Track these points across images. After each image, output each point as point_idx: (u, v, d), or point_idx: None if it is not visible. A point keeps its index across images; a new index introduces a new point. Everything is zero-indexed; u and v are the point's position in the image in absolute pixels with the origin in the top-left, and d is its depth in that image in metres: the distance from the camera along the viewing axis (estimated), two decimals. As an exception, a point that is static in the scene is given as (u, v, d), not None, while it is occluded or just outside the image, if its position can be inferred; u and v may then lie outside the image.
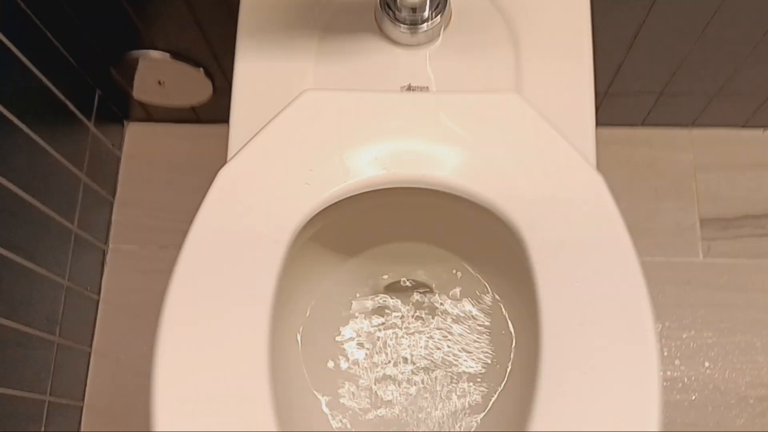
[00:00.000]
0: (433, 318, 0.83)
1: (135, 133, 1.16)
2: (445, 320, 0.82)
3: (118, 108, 1.12)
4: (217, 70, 1.01)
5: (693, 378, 1.02)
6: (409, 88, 0.71)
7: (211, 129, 1.15)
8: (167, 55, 0.97)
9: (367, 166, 0.64)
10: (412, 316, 0.83)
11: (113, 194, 1.12)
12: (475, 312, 0.82)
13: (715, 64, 0.96)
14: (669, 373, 1.02)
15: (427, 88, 0.71)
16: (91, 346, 1.06)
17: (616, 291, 0.60)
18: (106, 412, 1.04)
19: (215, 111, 1.11)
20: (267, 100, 0.70)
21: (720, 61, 0.96)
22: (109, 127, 1.10)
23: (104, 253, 1.09)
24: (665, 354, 1.03)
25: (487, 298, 0.82)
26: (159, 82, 1.03)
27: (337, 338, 0.82)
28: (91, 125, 1.04)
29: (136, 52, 0.97)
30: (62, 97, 0.95)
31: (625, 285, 0.60)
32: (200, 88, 1.04)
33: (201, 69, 1.00)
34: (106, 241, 1.10)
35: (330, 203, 0.64)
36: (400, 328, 0.84)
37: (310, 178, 0.63)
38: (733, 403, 1.01)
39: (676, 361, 1.03)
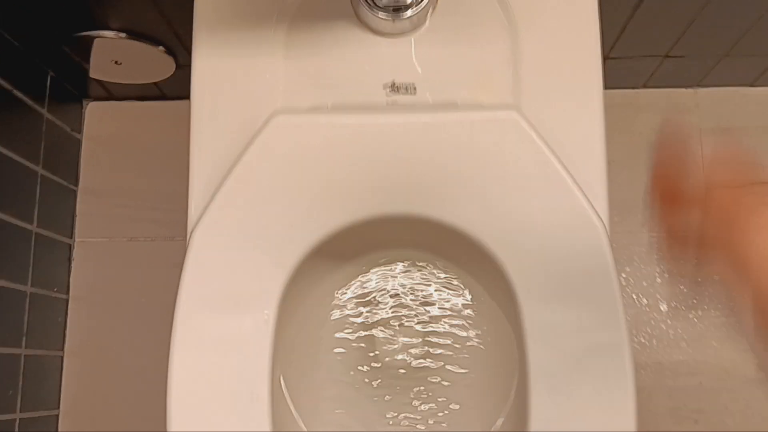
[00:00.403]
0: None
1: (95, 113, 1.06)
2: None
3: (75, 87, 1.02)
4: (179, 46, 0.92)
5: (701, 361, 0.97)
6: (393, 86, 0.62)
7: (177, 105, 1.06)
8: (122, 34, 0.87)
9: (352, 202, 0.57)
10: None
11: (76, 182, 1.03)
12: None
13: (725, 25, 0.88)
14: (676, 357, 0.97)
15: (414, 85, 0.62)
16: (63, 350, 0.99)
17: (599, 349, 0.55)
18: (83, 417, 0.98)
19: (181, 86, 1.00)
20: (231, 105, 0.62)
21: (730, 21, 0.87)
22: (65, 109, 1.01)
23: (70, 248, 1.02)
24: (671, 335, 0.98)
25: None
26: (116, 62, 0.93)
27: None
28: (44, 111, 0.95)
29: (87, 33, 0.87)
30: (6, 85, 0.86)
31: (608, 346, 0.55)
32: (162, 66, 0.95)
33: (160, 47, 0.90)
34: (71, 235, 1.02)
35: (315, 246, 0.57)
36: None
37: (290, 227, 0.56)
38: (743, 387, 0.97)
39: (685, 344, 0.98)
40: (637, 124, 1.03)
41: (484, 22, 0.63)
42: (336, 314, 0.71)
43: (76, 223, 1.02)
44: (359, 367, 0.76)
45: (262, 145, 0.57)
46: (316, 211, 0.58)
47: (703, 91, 1.04)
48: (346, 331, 0.73)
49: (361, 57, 0.63)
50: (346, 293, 0.70)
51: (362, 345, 0.76)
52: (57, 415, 0.98)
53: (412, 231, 0.63)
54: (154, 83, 1.01)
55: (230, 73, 0.62)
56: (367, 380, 0.76)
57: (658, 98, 1.04)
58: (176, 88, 1.02)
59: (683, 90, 1.04)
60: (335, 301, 0.70)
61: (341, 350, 0.73)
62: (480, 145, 0.57)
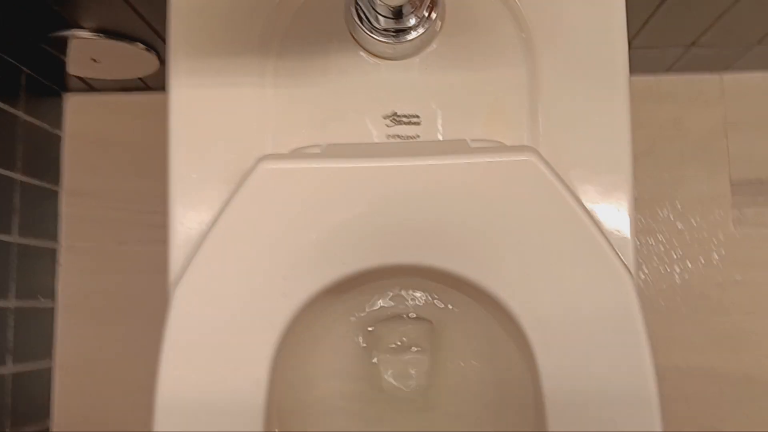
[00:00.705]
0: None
1: (76, 107, 0.99)
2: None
3: (53, 82, 0.95)
4: (159, 41, 0.84)
5: (721, 367, 0.92)
6: (394, 118, 0.56)
7: (163, 97, 0.98)
8: (97, 34, 0.80)
9: (349, 253, 0.51)
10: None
11: (58, 182, 0.97)
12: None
13: (759, 14, 0.80)
14: (695, 363, 0.92)
15: (417, 115, 0.55)
16: (52, 360, 0.95)
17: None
18: (76, 428, 0.95)
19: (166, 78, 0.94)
20: (214, 143, 0.55)
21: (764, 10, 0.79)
22: (43, 105, 0.94)
23: (56, 253, 0.96)
24: (691, 341, 0.93)
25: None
26: (94, 60, 0.86)
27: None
28: (20, 112, 0.88)
29: (61, 34, 0.80)
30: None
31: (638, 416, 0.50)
32: (144, 62, 0.88)
33: (138, 44, 0.83)
34: (56, 239, 0.96)
35: (307, 303, 0.51)
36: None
37: (281, 284, 0.50)
38: (764, 394, 0.92)
39: (703, 351, 0.93)
40: (658, 116, 0.96)
41: (498, 42, 0.56)
42: (336, 361, 0.65)
43: (61, 226, 0.97)
44: (362, 401, 0.71)
45: (248, 195, 0.51)
46: (308, 266, 0.52)
47: (728, 77, 0.96)
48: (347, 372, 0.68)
49: (359, 84, 0.56)
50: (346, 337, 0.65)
51: (364, 380, 0.71)
52: (48, 430, 0.94)
53: (416, 277, 0.58)
54: (138, 78, 0.94)
55: (212, 106, 0.56)
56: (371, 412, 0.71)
57: (681, 85, 0.96)
58: (161, 80, 0.95)
59: (708, 75, 0.96)
60: (333, 348, 0.65)
61: (342, 392, 0.68)
62: (493, 191, 0.51)
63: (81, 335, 0.96)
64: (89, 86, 0.97)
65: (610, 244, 0.52)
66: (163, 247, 0.96)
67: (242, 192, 0.51)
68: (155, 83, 0.96)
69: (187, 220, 0.55)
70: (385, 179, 0.51)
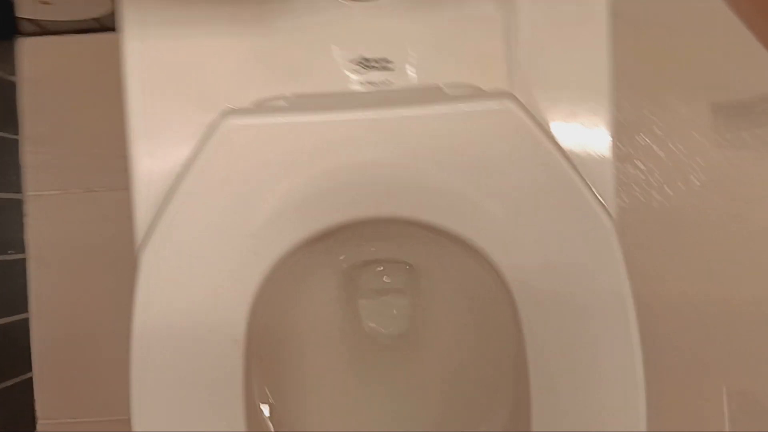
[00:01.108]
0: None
1: (30, 50, 0.94)
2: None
3: (3, 26, 0.90)
4: (114, -22, 0.79)
5: (699, 290, 0.93)
6: (365, 63, 0.53)
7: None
8: (43, -27, 0.75)
9: (319, 209, 0.49)
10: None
11: (17, 131, 0.93)
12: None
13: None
14: (673, 288, 0.93)
15: (388, 60, 0.53)
16: (28, 312, 0.93)
17: (609, 365, 0.49)
18: (57, 379, 0.94)
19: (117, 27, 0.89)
20: (172, 98, 0.52)
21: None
22: (-5, 50, 0.89)
23: (21, 205, 0.93)
24: (670, 266, 0.93)
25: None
26: (44, 2, 0.81)
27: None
28: (-31, 58, 0.83)
29: (2, -26, 0.74)
30: None
31: (619, 358, 0.49)
32: (97, 1, 0.83)
33: (92, -17, 0.78)
34: (20, 190, 0.93)
35: (279, 261, 0.49)
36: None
37: (250, 242, 0.48)
38: (742, 315, 0.93)
39: (681, 276, 0.93)
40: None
41: (469, -22, 0.52)
42: (317, 310, 0.65)
43: (25, 176, 0.93)
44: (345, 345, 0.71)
45: (212, 153, 0.49)
46: (279, 223, 0.50)
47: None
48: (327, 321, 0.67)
49: (326, 28, 0.53)
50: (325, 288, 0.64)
51: (346, 324, 0.71)
52: (30, 379, 0.94)
53: (398, 230, 0.56)
54: (93, 18, 0.89)
55: (168, 56, 0.52)
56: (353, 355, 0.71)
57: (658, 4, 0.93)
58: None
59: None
60: (312, 299, 0.64)
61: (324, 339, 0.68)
62: (471, 140, 0.49)
63: (55, 285, 0.94)
64: (42, 29, 0.92)
65: (591, 190, 0.50)
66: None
67: (206, 150, 0.49)
68: (110, 22, 0.91)
69: (149, 176, 0.53)
70: (356, 132, 0.49)
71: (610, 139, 0.53)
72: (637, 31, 0.92)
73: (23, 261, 0.93)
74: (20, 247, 0.93)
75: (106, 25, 0.92)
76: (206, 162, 0.49)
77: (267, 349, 0.64)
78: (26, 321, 0.93)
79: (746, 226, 0.93)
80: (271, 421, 0.63)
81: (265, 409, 0.62)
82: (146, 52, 0.53)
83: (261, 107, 0.51)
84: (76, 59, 0.94)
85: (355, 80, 0.53)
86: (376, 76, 0.53)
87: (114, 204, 0.94)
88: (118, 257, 0.93)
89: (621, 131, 0.93)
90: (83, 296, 0.94)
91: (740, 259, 0.93)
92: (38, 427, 0.94)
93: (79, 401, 0.94)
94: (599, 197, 0.50)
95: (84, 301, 0.94)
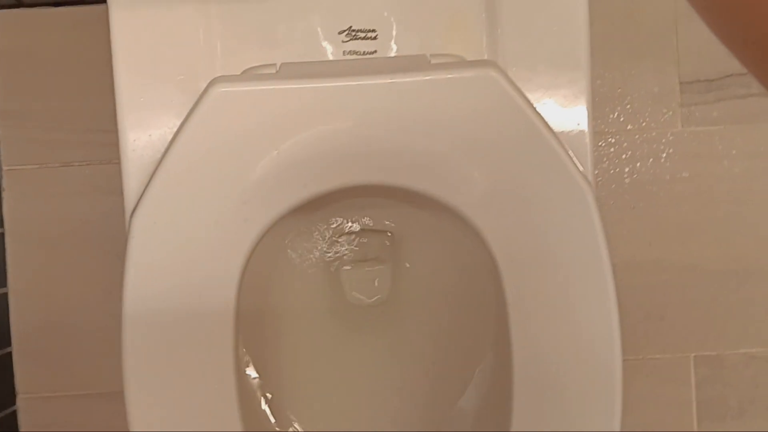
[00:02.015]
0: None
1: (6, 23, 0.93)
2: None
3: (-25, -4, 0.89)
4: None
5: (667, 258, 0.96)
6: (350, 33, 0.54)
7: (100, 10, 0.93)
8: (22, -56, 0.74)
9: (309, 175, 0.50)
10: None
11: (-7, 105, 0.93)
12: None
13: None
14: (643, 256, 0.96)
15: (374, 31, 0.54)
16: (7, 287, 0.93)
17: (588, 323, 0.51)
18: (37, 352, 0.94)
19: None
20: (161, 67, 0.53)
21: None
22: (-32, 22, 0.88)
23: (-1, 179, 0.93)
24: (639, 235, 0.96)
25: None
26: (19, -28, 0.80)
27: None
28: (-57, 30, 0.82)
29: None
30: None
31: (598, 316, 0.51)
32: (76, -27, 0.82)
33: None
34: (-3, 164, 0.93)
35: (270, 226, 0.50)
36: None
37: (241, 209, 0.49)
38: (708, 281, 0.97)
39: (651, 244, 0.96)
40: (611, 8, 0.95)
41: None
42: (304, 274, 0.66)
43: (0, 150, 0.93)
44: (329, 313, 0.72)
45: (201, 119, 0.49)
46: (268, 190, 0.51)
47: (679, -28, 0.96)
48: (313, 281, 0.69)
49: (311, -2, 0.54)
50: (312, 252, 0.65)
51: (329, 292, 0.72)
52: (10, 353, 0.94)
53: (380, 199, 0.58)
54: (69, -11, 0.88)
55: (156, 28, 0.53)
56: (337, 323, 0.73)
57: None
58: (95, -10, 0.90)
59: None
60: (297, 264, 0.65)
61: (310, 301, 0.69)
62: (455, 107, 0.51)
63: (33, 259, 0.94)
64: (18, 1, 0.91)
65: (570, 157, 0.52)
66: (110, 166, 0.94)
67: (195, 116, 0.50)
68: (89, -6, 0.91)
69: (138, 145, 0.53)
70: (344, 98, 0.50)
71: (588, 109, 0.55)
72: (609, 9, 0.95)
73: (2, 236, 0.93)
74: (-3, 221, 0.92)
75: (83, -3, 0.91)
76: (195, 129, 0.50)
77: (253, 317, 0.66)
78: (5, 296, 0.93)
79: (713, 198, 0.96)
80: (259, 390, 0.65)
81: (253, 377, 0.63)
82: (134, 22, 0.53)
83: (249, 75, 0.52)
84: (53, 32, 0.94)
85: (341, 50, 0.54)
86: (361, 45, 0.54)
87: (91, 178, 0.94)
88: (97, 230, 0.93)
89: (594, 107, 0.95)
90: (62, 270, 0.94)
91: (708, 229, 0.96)
92: (18, 401, 0.95)
93: (60, 375, 0.95)
94: (577, 163, 0.52)
95: (63, 275, 0.94)
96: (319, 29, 0.54)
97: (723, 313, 0.97)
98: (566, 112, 0.54)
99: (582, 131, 0.55)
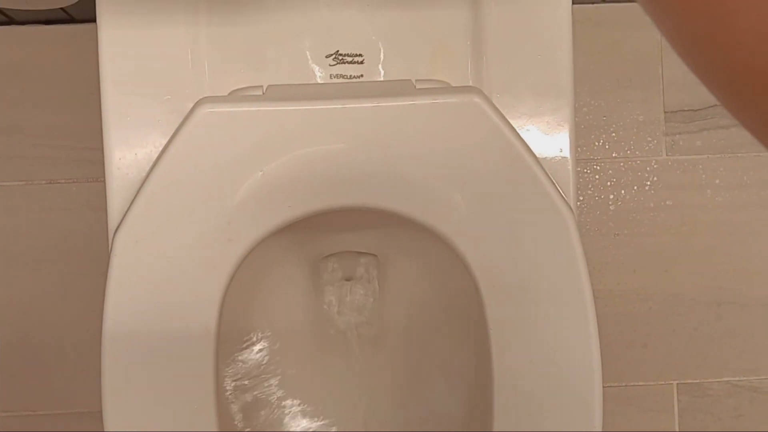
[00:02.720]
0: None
1: (-5, 39, 0.94)
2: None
3: (-33, 13, 0.89)
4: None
5: (650, 287, 0.97)
6: (337, 57, 0.54)
7: (89, 29, 0.94)
8: (12, -38, 0.75)
9: (294, 197, 0.50)
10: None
11: (-20, 121, 0.93)
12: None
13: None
14: (626, 284, 0.96)
15: (361, 56, 0.54)
16: (-13, 304, 0.93)
17: (568, 349, 0.52)
18: (16, 371, 0.94)
19: (91, 8, 0.89)
20: (148, 86, 0.53)
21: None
22: (-41, 38, 0.89)
23: (-17, 194, 0.92)
24: (622, 263, 0.97)
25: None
26: (11, -10, 0.80)
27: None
28: (-67, 46, 0.83)
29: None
30: None
31: (578, 341, 0.52)
32: (66, -9, 0.83)
33: (61, -28, 0.78)
34: (-17, 180, 0.93)
35: (253, 246, 0.51)
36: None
37: (230, 232, 0.49)
38: (691, 310, 0.97)
39: (634, 272, 0.97)
40: (597, 40, 0.96)
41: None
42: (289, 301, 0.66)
43: (-12, 166, 0.93)
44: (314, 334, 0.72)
45: (187, 139, 0.50)
46: (253, 210, 0.51)
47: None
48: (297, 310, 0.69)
49: (299, 22, 0.54)
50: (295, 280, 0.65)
51: (314, 314, 0.72)
52: (-11, 371, 0.93)
53: (364, 221, 0.58)
54: (61, 9, 0.88)
55: (144, 47, 0.53)
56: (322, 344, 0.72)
57: (617, 13, 0.97)
58: (85, 11, 0.90)
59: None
60: (282, 285, 0.65)
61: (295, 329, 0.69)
62: (439, 132, 0.51)
63: (16, 276, 0.94)
64: (9, 18, 0.91)
65: (553, 183, 0.53)
66: (96, 184, 0.94)
67: (181, 136, 0.50)
68: (78, 13, 0.91)
69: (123, 164, 0.53)
70: (330, 121, 0.51)
71: (571, 136, 0.56)
72: (596, 39, 0.96)
73: (-15, 251, 0.92)
74: (-19, 237, 0.92)
75: (74, 16, 0.92)
76: (181, 148, 0.50)
77: (235, 337, 0.66)
78: (-14, 312, 0.92)
79: (697, 227, 0.97)
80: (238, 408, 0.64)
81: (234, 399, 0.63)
82: (122, 41, 0.54)
83: (236, 96, 0.52)
84: (43, 50, 0.94)
85: (328, 74, 0.55)
86: (348, 69, 0.55)
87: (77, 195, 0.94)
88: (82, 248, 0.93)
89: (579, 135, 0.96)
90: (46, 287, 0.94)
91: (691, 258, 0.97)
92: (-3, 420, 0.94)
93: (39, 394, 0.94)
94: (560, 190, 0.53)
95: (46, 292, 0.94)
96: (306, 53, 0.54)
97: (706, 342, 0.97)
98: (549, 139, 0.55)
99: (565, 158, 0.56)
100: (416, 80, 0.53)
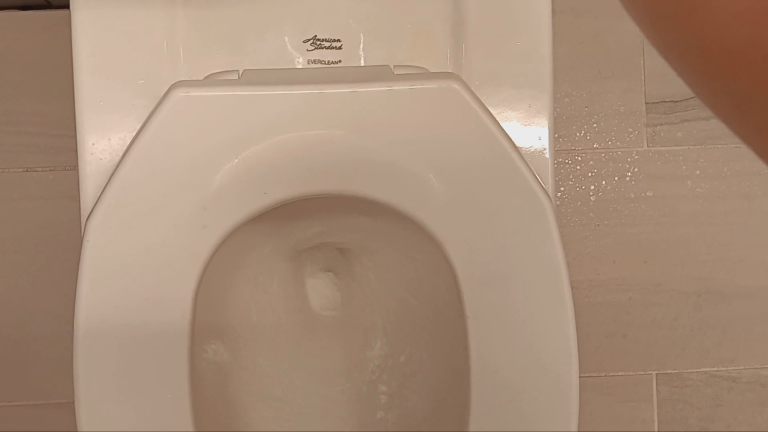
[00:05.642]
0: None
1: (-31, 25, 0.92)
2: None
3: (-59, -3, 0.88)
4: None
5: (630, 277, 0.97)
6: (314, 41, 0.54)
7: (67, 15, 0.92)
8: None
9: (269, 183, 0.49)
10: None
11: (-45, 107, 0.91)
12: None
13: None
14: (606, 274, 0.97)
15: (339, 41, 0.54)
16: (-38, 293, 0.91)
17: (545, 337, 0.52)
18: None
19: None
20: (122, 68, 0.52)
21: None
22: (-67, 23, 0.87)
23: (-41, 183, 0.91)
24: (603, 254, 0.97)
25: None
26: (-15, -26, 0.79)
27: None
28: None
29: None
30: None
31: (555, 330, 0.52)
32: (43, -24, 0.81)
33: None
34: (-42, 168, 0.91)
35: (228, 232, 0.50)
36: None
37: (205, 218, 0.48)
38: (671, 300, 0.97)
39: (614, 262, 0.97)
40: (579, 30, 0.96)
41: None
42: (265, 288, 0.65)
43: (-37, 154, 0.91)
44: (290, 323, 0.72)
45: (162, 123, 0.49)
46: (228, 196, 0.51)
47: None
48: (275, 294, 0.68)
49: (277, 5, 0.54)
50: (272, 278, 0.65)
51: (291, 303, 0.71)
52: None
53: (342, 209, 0.57)
54: (37, -7, 0.87)
55: (118, 28, 0.52)
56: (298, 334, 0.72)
57: (600, 4, 0.97)
58: (64, -4, 0.89)
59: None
60: (258, 274, 0.65)
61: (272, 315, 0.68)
62: (417, 118, 0.51)
63: (-7, 266, 0.92)
64: (-17, 2, 0.90)
65: (531, 170, 0.52)
66: (71, 172, 0.93)
67: (155, 120, 0.49)
68: (59, 0, 0.90)
69: (96, 149, 0.53)
70: (306, 107, 0.50)
71: (550, 125, 0.56)
72: (578, 29, 0.96)
73: (-40, 240, 0.91)
74: (-44, 225, 0.91)
75: (51, 2, 0.90)
76: (155, 133, 0.49)
77: (212, 325, 0.65)
78: (-39, 301, 0.91)
79: (677, 218, 0.97)
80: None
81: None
82: (96, 23, 0.53)
83: (211, 80, 0.51)
84: (17, 36, 0.93)
85: (306, 59, 0.54)
86: (326, 54, 0.54)
87: (53, 183, 0.93)
88: (59, 237, 0.92)
89: (561, 126, 0.96)
90: (22, 277, 0.93)
91: (671, 248, 0.97)
92: (-28, 411, 0.92)
93: (16, 384, 0.93)
94: (538, 177, 0.53)
95: (23, 281, 0.93)
96: (284, 38, 0.54)
97: (685, 332, 0.98)
98: (528, 128, 0.54)
99: (543, 147, 0.56)
100: (394, 66, 0.53)
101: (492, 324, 0.53)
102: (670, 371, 0.97)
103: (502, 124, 0.53)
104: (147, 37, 0.53)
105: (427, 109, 0.50)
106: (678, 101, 0.97)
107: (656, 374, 0.97)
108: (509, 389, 0.53)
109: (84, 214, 0.53)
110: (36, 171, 0.92)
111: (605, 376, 0.97)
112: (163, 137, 0.50)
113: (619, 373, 0.97)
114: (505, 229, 0.53)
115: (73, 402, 0.54)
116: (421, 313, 0.67)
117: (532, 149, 0.55)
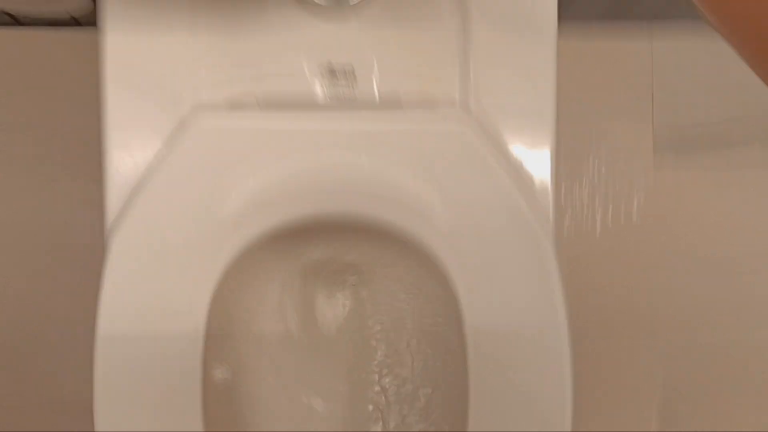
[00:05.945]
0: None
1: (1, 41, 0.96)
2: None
3: (-26, 14, 0.91)
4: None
5: (637, 302, 0.98)
6: (329, 69, 0.57)
7: (93, 34, 0.96)
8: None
9: (282, 206, 0.52)
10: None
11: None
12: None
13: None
14: (611, 299, 0.98)
15: (353, 70, 0.57)
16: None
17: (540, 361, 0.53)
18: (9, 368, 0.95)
19: (95, 12, 0.91)
20: (148, 92, 0.56)
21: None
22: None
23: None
24: (609, 280, 0.98)
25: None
26: (18, -5, 0.83)
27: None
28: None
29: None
30: None
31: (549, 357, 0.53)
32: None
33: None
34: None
35: (243, 251, 0.53)
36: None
37: (221, 236, 0.51)
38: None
39: (626, 287, 0.98)
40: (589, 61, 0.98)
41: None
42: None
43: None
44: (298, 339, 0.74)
45: (182, 146, 0.52)
46: (245, 215, 0.54)
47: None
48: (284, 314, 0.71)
49: (293, 34, 0.56)
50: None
51: (300, 319, 0.74)
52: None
53: (352, 229, 0.60)
54: (69, 15, 0.91)
55: (146, 51, 0.56)
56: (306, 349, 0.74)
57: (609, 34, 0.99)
58: (92, 16, 0.92)
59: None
60: (270, 291, 0.67)
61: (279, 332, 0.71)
62: (425, 152, 0.54)
63: (13, 276, 0.95)
64: (16, 20, 0.93)
65: (534, 213, 0.55)
66: (95, 184, 0.96)
67: (177, 142, 0.52)
68: (84, 18, 0.93)
69: (123, 166, 0.55)
70: (321, 131, 0.53)
71: (552, 155, 0.58)
72: (588, 57, 0.98)
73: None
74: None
75: (82, 22, 0.94)
76: (177, 154, 0.52)
77: (222, 338, 0.67)
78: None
79: (684, 245, 0.98)
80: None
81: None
82: (125, 46, 0.56)
83: (230, 105, 0.54)
84: (44, 53, 0.96)
85: (321, 84, 0.57)
86: (339, 80, 0.57)
87: (78, 195, 0.96)
88: (79, 248, 0.95)
89: (568, 155, 0.98)
90: (42, 288, 0.95)
91: (677, 275, 0.99)
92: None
93: (32, 389, 0.95)
94: (541, 219, 0.55)
95: (42, 292, 0.95)
96: (300, 63, 0.56)
97: (693, 369, 0.99)
98: (531, 158, 0.57)
99: (545, 178, 0.58)
100: (405, 93, 0.55)
101: (492, 356, 0.55)
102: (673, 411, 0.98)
103: (507, 151, 0.55)
104: (171, 60, 0.56)
105: (435, 144, 0.54)
106: (685, 127, 0.98)
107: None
108: (508, 411, 0.55)
109: (107, 228, 0.55)
110: (59, 181, 0.96)
111: (607, 408, 0.98)
112: (184, 158, 0.52)
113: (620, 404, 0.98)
114: (506, 262, 0.55)
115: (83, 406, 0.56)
116: (427, 335, 0.69)
117: (535, 178, 0.57)
